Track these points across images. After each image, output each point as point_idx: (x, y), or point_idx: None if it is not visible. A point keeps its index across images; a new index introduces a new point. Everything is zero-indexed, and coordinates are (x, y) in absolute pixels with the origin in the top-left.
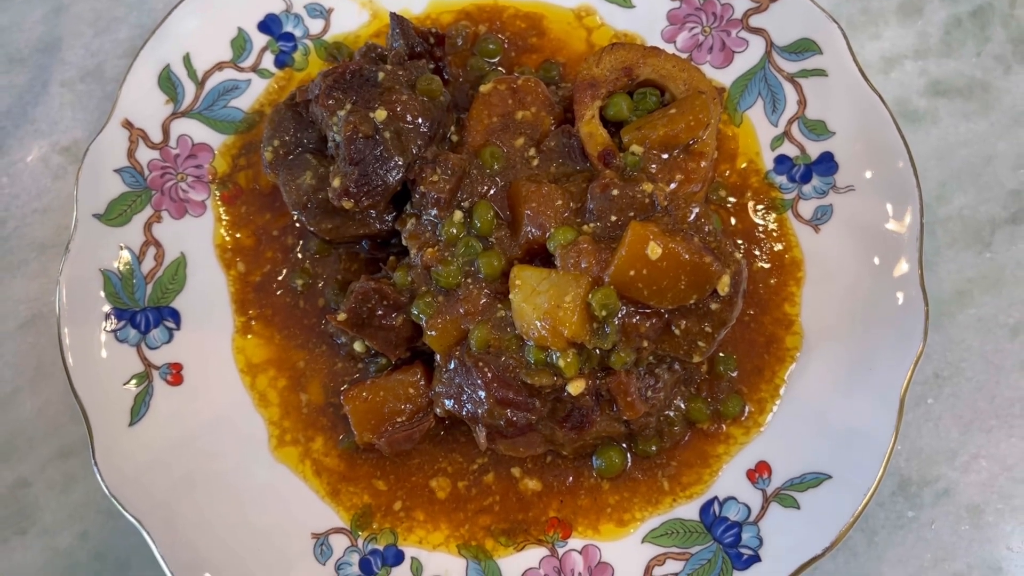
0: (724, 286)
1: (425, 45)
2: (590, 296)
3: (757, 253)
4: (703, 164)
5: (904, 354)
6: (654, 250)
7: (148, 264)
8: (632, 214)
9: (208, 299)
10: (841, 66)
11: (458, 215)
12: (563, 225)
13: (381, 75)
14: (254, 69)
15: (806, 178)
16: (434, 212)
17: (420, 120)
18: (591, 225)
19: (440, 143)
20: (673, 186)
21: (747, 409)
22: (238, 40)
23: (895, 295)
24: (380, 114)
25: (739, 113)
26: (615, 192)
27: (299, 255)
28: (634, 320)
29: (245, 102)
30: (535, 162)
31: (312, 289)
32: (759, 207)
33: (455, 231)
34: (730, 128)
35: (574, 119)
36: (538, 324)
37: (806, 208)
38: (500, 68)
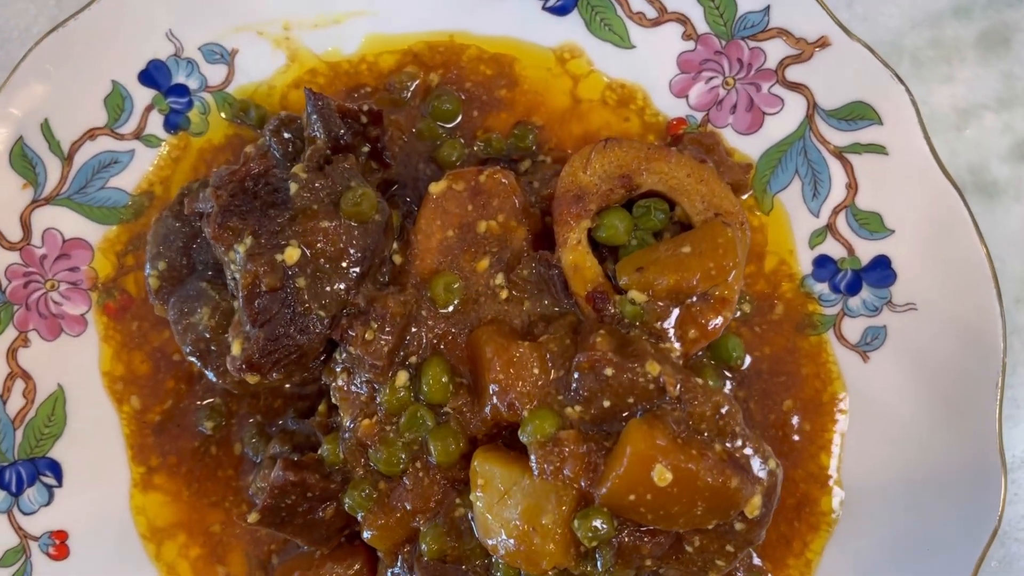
0: (754, 508)
1: (356, 126)
2: (575, 520)
3: (785, 383)
4: (725, 316)
5: (975, 534)
6: (662, 475)
7: (16, 403)
8: (632, 401)
9: (96, 445)
10: (907, 143)
11: (402, 377)
12: (540, 407)
13: (293, 188)
14: (138, 136)
15: (854, 288)
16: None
17: (347, 254)
18: (577, 409)
19: (377, 274)
20: (676, 345)
21: None
22: (114, 98)
23: (965, 453)
24: (291, 254)
25: (769, 196)
26: (609, 372)
27: (208, 386)
28: (635, 540)
29: (129, 180)
30: (503, 294)
31: (226, 431)
32: (791, 323)
33: (398, 398)
34: (757, 216)
35: (554, 236)
36: (508, 543)
37: (852, 328)
38: (457, 135)
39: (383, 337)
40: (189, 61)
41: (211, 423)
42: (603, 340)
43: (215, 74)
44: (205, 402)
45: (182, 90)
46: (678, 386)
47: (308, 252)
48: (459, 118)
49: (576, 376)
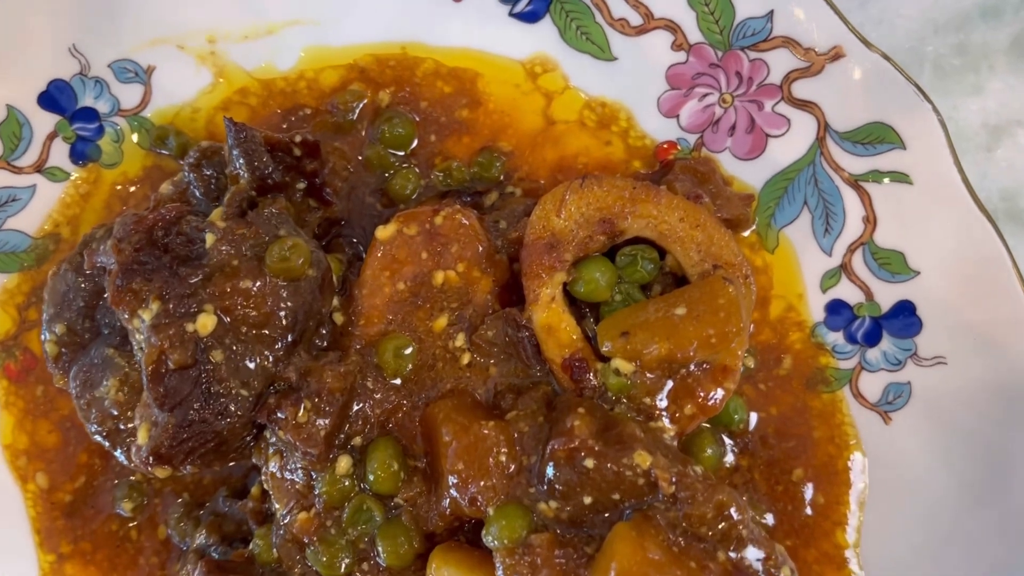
0: None
1: (288, 160)
2: None
3: (795, 448)
4: (727, 387)
5: None
6: None
7: None
8: (618, 498)
9: None
10: (934, 170)
11: (344, 463)
12: (508, 503)
13: (210, 239)
14: (39, 169)
15: (873, 339)
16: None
17: (274, 319)
18: (552, 505)
19: (313, 339)
20: (669, 425)
21: None
22: (9, 125)
23: (1002, 531)
24: (205, 322)
25: (774, 232)
26: (589, 464)
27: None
28: None
29: (30, 221)
30: (465, 359)
31: (149, 512)
32: (801, 379)
33: (340, 489)
34: (760, 255)
35: (522, 290)
36: None
37: (872, 385)
38: (412, 163)
39: (319, 419)
40: (97, 81)
41: (131, 504)
42: (582, 423)
43: (129, 96)
44: (124, 479)
45: (90, 115)
46: (673, 481)
47: (226, 319)
48: (414, 144)
49: (551, 466)
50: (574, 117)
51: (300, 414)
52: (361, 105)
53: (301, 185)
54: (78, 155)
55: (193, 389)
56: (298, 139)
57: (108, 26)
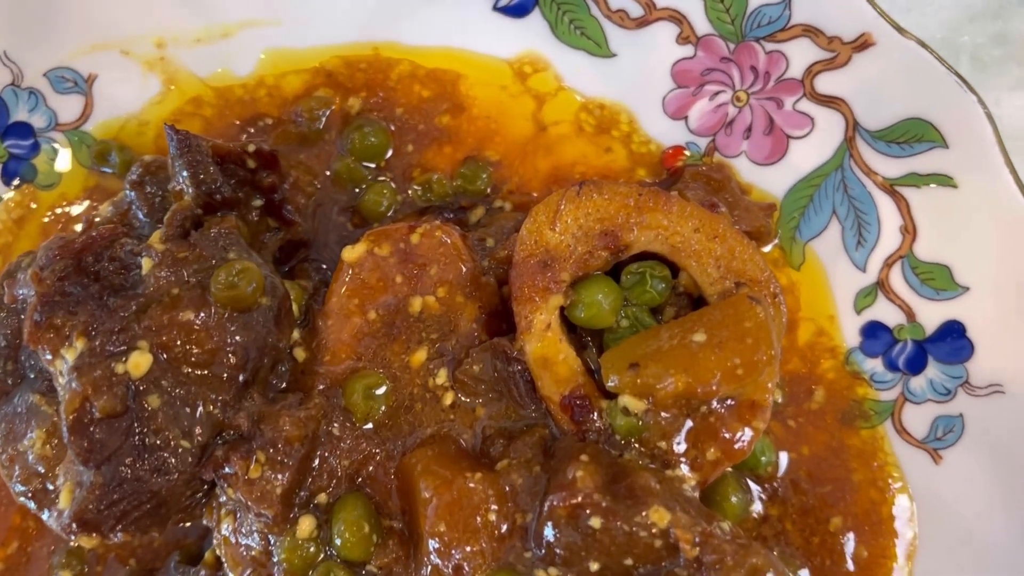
0: None
1: (242, 173)
2: None
3: (832, 494)
4: (756, 427)
5: None
6: None
7: None
8: (631, 563)
9: None
10: (981, 170)
11: (306, 525)
12: (499, 569)
13: (146, 265)
14: None
15: (917, 365)
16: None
17: (222, 357)
18: (552, 573)
19: (269, 378)
20: (689, 473)
21: None
22: None
23: None
24: (138, 362)
25: (800, 245)
26: (596, 523)
27: None
28: None
29: None
30: (447, 399)
31: None
32: (836, 413)
33: (302, 556)
34: (784, 272)
35: (512, 317)
36: None
37: (917, 419)
38: (387, 177)
39: (274, 474)
40: (32, 92)
41: (70, 573)
42: (586, 473)
43: (68, 108)
44: (62, 545)
45: (24, 130)
46: (697, 541)
47: (163, 357)
48: (388, 154)
49: (550, 526)
50: (569, 121)
51: (252, 468)
52: (328, 113)
53: (258, 202)
54: (11, 175)
55: (124, 441)
56: (252, 148)
57: (43, 30)
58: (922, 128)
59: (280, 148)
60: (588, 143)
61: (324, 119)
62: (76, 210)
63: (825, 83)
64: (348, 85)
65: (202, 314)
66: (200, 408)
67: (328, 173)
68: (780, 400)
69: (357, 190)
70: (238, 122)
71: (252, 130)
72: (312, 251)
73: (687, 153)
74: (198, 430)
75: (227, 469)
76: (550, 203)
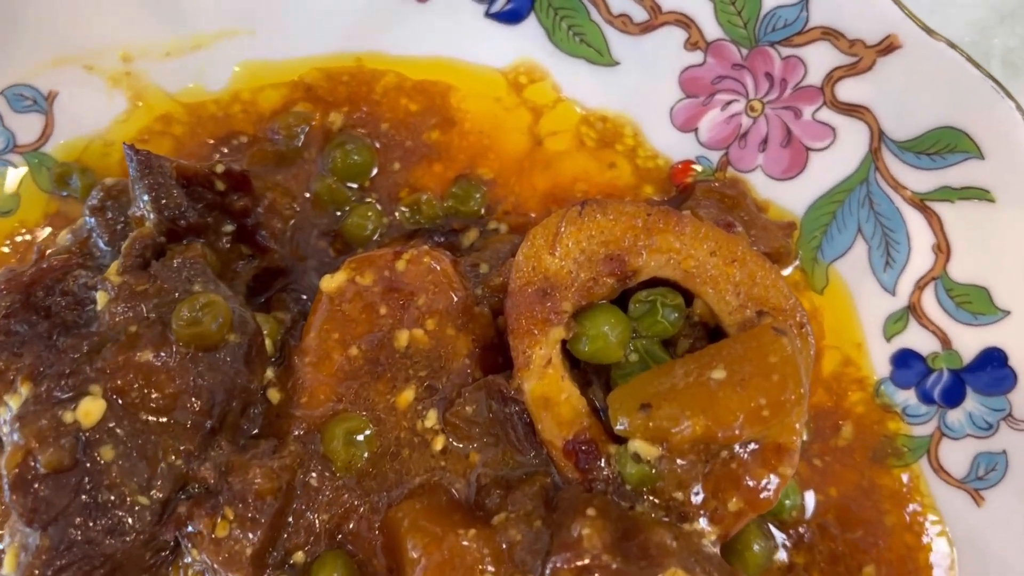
0: None
1: (210, 197)
2: None
3: (863, 540)
4: (783, 473)
5: None
6: None
7: None
8: None
9: None
10: (1021, 182)
11: None
12: None
13: (101, 299)
14: None
15: (954, 397)
16: None
17: (185, 401)
18: None
19: (239, 423)
20: (709, 527)
21: None
22: None
23: None
24: (89, 410)
25: (822, 267)
26: None
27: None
28: None
29: None
30: (438, 444)
31: None
32: (866, 451)
33: None
34: (806, 296)
35: (509, 351)
36: None
37: (956, 456)
38: (372, 198)
39: (244, 533)
40: None
41: None
42: (593, 530)
43: (27, 128)
44: None
45: None
46: None
47: (119, 402)
48: (373, 173)
49: None
50: (569, 135)
51: (219, 526)
52: (308, 129)
53: (229, 228)
54: None
55: (73, 499)
56: (220, 169)
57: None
58: (955, 137)
59: (256, 168)
60: (590, 158)
61: (303, 136)
62: (38, 237)
63: (847, 90)
64: (329, 99)
65: (162, 354)
66: (160, 460)
67: (308, 195)
68: (805, 437)
69: (339, 213)
70: (211, 141)
71: (226, 149)
72: (291, 280)
73: (698, 168)
74: (158, 484)
75: (191, 527)
76: (549, 225)
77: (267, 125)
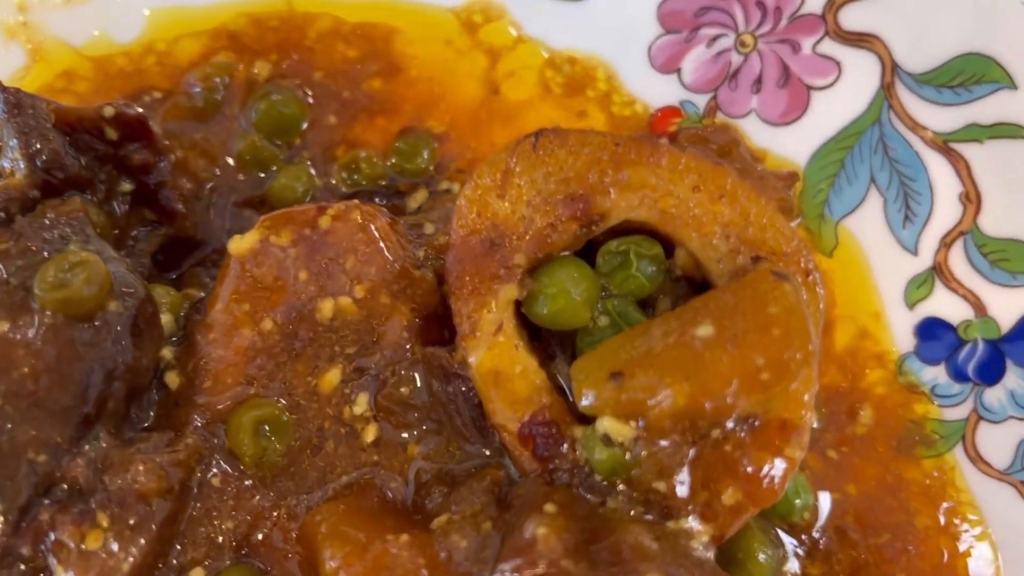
0: None
1: (100, 148)
2: None
3: (889, 545)
4: (790, 456)
5: None
6: None
7: None
8: None
9: None
10: None
11: None
12: None
13: None
14: None
15: (991, 372)
16: None
17: (52, 387)
18: None
19: (127, 412)
20: (699, 526)
21: None
22: None
23: None
24: None
25: (830, 224)
26: None
27: None
28: None
29: None
30: (369, 434)
31: None
32: (888, 439)
33: None
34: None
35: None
36: None
37: (996, 441)
38: (303, 157)
39: (121, 545)
40: None
41: None
42: (551, 531)
43: None
44: None
45: None
46: None
47: None
48: (304, 128)
49: None
50: (532, 81)
51: (90, 536)
52: (228, 81)
53: (127, 187)
54: None
55: None
56: (110, 113)
57: None
58: (981, 65)
59: (170, 125)
60: (556, 107)
61: (224, 89)
62: None
63: (853, 17)
64: (256, 48)
65: (20, 323)
66: (19, 455)
67: (229, 157)
68: (816, 424)
69: (264, 175)
70: (121, 98)
71: (139, 108)
72: (208, 253)
73: (683, 115)
74: (15, 486)
75: (53, 536)
76: (497, 162)
77: (184, 78)
